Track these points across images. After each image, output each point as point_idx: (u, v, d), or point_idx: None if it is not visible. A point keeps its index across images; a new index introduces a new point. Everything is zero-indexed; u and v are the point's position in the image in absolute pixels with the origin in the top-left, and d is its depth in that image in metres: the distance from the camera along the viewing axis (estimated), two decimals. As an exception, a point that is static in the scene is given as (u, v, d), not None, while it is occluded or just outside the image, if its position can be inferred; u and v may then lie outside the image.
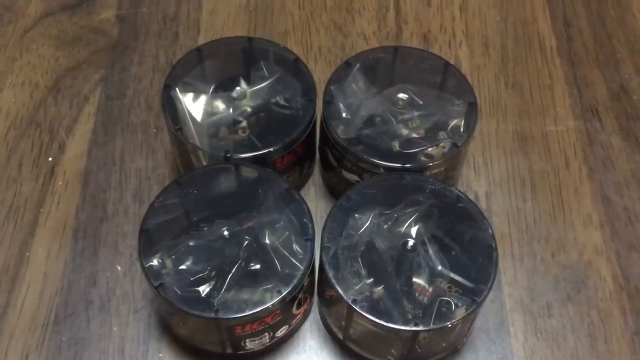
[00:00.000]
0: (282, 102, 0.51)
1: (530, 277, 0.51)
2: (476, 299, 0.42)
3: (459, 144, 0.48)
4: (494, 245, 0.43)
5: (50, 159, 0.55)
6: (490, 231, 0.44)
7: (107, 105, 0.58)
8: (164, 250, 0.44)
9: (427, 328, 0.41)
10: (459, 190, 0.46)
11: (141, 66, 0.61)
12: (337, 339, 0.47)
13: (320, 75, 0.59)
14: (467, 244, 0.46)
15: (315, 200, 0.54)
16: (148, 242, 0.43)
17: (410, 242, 0.46)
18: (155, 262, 0.43)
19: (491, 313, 0.49)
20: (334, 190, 0.54)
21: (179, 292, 0.42)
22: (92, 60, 0.61)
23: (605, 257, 0.52)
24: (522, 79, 0.61)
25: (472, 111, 0.49)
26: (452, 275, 0.45)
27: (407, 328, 0.41)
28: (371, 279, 0.45)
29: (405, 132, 0.51)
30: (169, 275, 0.43)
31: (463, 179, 0.55)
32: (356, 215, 0.46)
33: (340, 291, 0.42)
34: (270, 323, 0.43)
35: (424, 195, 0.46)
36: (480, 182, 0.55)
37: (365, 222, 0.46)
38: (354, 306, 0.41)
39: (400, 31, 0.63)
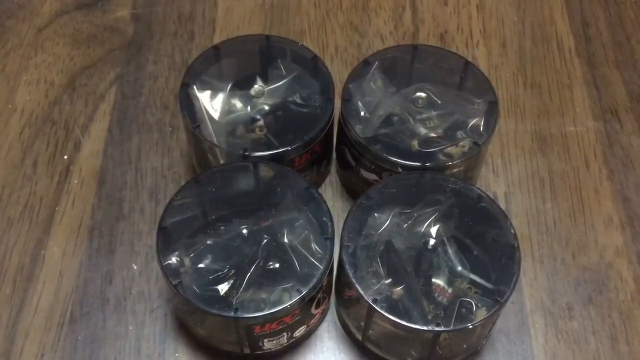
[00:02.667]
0: (300, 101, 0.51)
1: (550, 278, 0.50)
2: (499, 299, 0.41)
3: (480, 143, 0.47)
4: (516, 246, 0.43)
5: (65, 157, 0.55)
6: (512, 231, 0.43)
7: (122, 104, 0.58)
8: (182, 248, 0.43)
9: (448, 329, 0.41)
10: (480, 190, 0.45)
11: (157, 65, 0.61)
12: (355, 340, 0.47)
13: (337, 75, 0.59)
14: (487, 244, 0.45)
15: (332, 200, 0.54)
16: (166, 240, 0.43)
17: (430, 242, 0.46)
18: (173, 260, 0.43)
19: (511, 315, 0.48)
20: (352, 190, 0.54)
21: (197, 290, 0.42)
22: (108, 59, 0.61)
23: (627, 258, 0.51)
24: (540, 79, 0.60)
25: (492, 110, 0.49)
26: (472, 276, 0.45)
27: (429, 328, 0.40)
28: (390, 279, 0.44)
29: (423, 131, 0.50)
30: (187, 274, 0.43)
31: (482, 180, 0.54)
32: (376, 214, 0.45)
33: (361, 291, 0.41)
34: (289, 323, 0.42)
35: (444, 195, 0.46)
36: (499, 183, 0.54)
37: (384, 222, 0.45)
38: (374, 306, 0.41)
39: (417, 31, 0.63)
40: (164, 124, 0.57)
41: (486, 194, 0.45)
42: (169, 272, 0.42)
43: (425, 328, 0.40)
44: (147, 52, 0.61)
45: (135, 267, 0.50)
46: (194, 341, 0.47)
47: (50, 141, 0.56)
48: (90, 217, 0.52)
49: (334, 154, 0.54)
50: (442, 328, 0.40)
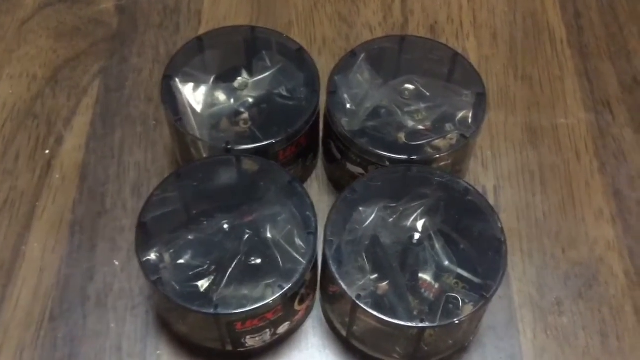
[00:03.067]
0: (285, 93, 0.50)
1: (540, 273, 0.49)
2: (485, 294, 0.40)
3: (468, 136, 0.46)
4: (503, 239, 0.42)
5: (47, 151, 0.54)
6: (499, 224, 0.43)
7: (106, 97, 0.57)
8: (162, 244, 0.43)
9: (433, 325, 0.40)
10: (467, 183, 0.44)
11: (141, 57, 0.60)
12: (340, 337, 0.46)
13: (325, 67, 0.57)
14: (475, 238, 0.44)
15: (319, 194, 0.53)
16: (145, 235, 0.42)
17: (416, 237, 0.45)
18: (152, 256, 0.42)
19: (499, 310, 0.47)
20: (338, 184, 0.53)
21: (177, 287, 0.41)
22: (91, 52, 0.60)
23: (617, 252, 0.50)
24: (531, 70, 0.59)
25: (480, 102, 0.48)
26: (459, 270, 0.44)
27: (413, 325, 0.39)
28: (375, 275, 0.43)
29: (411, 124, 0.49)
30: (167, 270, 0.42)
31: (470, 173, 0.53)
32: (361, 208, 0.44)
33: (344, 287, 0.40)
34: (272, 319, 0.41)
35: (430, 188, 0.45)
36: (488, 176, 0.54)
37: (370, 216, 0.44)
38: (358, 302, 0.40)
39: (406, 22, 0.62)
40: (147, 117, 0.56)
41: (473, 187, 0.44)
42: (148, 268, 0.41)
43: (409, 324, 0.39)
44: (131, 45, 0.60)
45: (117, 263, 0.49)
46: (176, 338, 0.46)
47: (32, 135, 0.55)
48: (71, 212, 0.51)
49: (321, 148, 0.53)
50: (426, 324, 0.39)
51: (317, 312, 0.47)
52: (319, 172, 0.54)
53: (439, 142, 0.48)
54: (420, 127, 0.49)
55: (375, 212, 0.44)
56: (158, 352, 0.46)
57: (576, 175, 0.54)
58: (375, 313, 0.39)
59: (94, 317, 0.47)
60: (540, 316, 0.47)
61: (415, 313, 0.42)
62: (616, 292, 0.48)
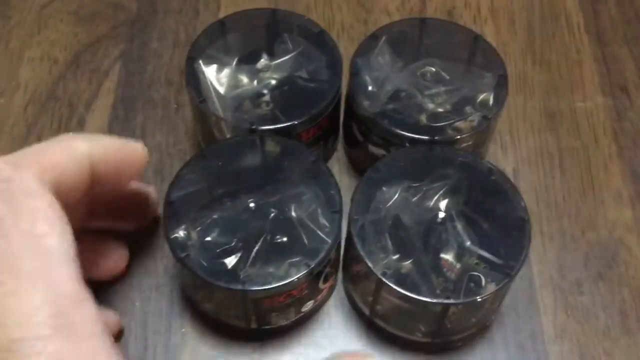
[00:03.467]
0: (307, 76, 0.50)
1: (559, 254, 0.50)
2: (509, 272, 0.41)
3: (490, 117, 0.47)
4: (526, 218, 0.42)
5: (69, 134, 0.54)
6: (522, 204, 0.43)
7: (127, 81, 0.57)
8: (188, 222, 0.43)
9: (458, 301, 0.40)
10: (490, 163, 0.44)
11: (161, 42, 0.60)
12: (363, 315, 0.47)
13: (343, 52, 0.58)
14: (497, 218, 0.45)
15: (339, 177, 0.53)
16: (173, 214, 0.43)
17: (439, 217, 0.45)
18: (180, 234, 0.42)
19: (520, 291, 0.48)
20: (359, 166, 0.53)
21: (204, 264, 0.41)
22: (112, 36, 0.60)
23: (636, 234, 0.50)
24: (549, 55, 0.59)
25: (502, 84, 0.48)
26: (481, 251, 0.44)
27: (438, 301, 0.40)
28: (398, 254, 0.44)
29: (431, 106, 0.49)
30: (194, 247, 0.42)
31: (490, 157, 0.54)
32: (384, 188, 0.45)
33: (370, 264, 0.41)
34: (297, 296, 0.42)
35: (453, 168, 0.45)
36: (507, 160, 0.54)
37: (393, 196, 0.45)
38: (384, 279, 0.40)
39: (424, 7, 0.62)
40: (168, 101, 0.56)
41: (496, 167, 0.44)
42: (176, 246, 0.41)
43: (434, 300, 0.40)
44: (151, 29, 0.61)
45: (140, 244, 0.49)
46: (200, 316, 0.46)
47: (54, 118, 0.55)
48: (95, 194, 0.51)
49: (341, 131, 0.54)
50: (451, 300, 0.40)
51: (339, 292, 0.48)
52: (339, 154, 0.54)
53: (460, 124, 0.48)
54: (441, 109, 0.49)
55: (398, 192, 0.45)
56: (183, 330, 0.46)
57: (595, 158, 0.54)
58: (401, 290, 0.40)
59: (119, 295, 0.47)
60: (560, 296, 0.48)
61: (438, 291, 0.42)
62: (635, 273, 0.49)
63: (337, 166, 0.54)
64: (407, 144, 0.46)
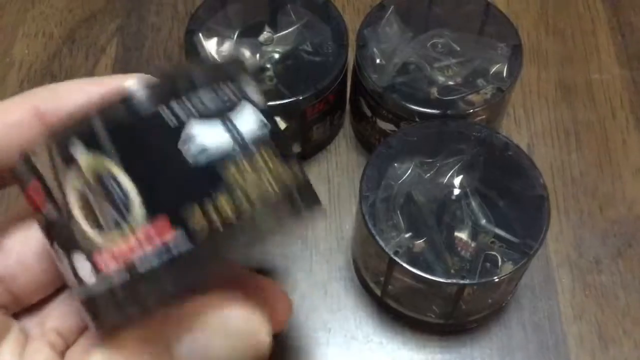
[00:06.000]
0: (311, 49, 0.48)
1: (577, 232, 0.48)
2: (527, 251, 0.39)
3: (504, 89, 0.45)
4: (545, 196, 0.40)
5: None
6: (541, 180, 0.41)
7: (124, 56, 0.55)
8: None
9: (473, 282, 0.39)
10: (507, 137, 0.42)
11: (159, 16, 0.58)
12: (374, 296, 0.45)
13: (349, 23, 0.56)
14: (514, 196, 0.43)
15: (347, 153, 0.51)
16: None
17: (453, 195, 0.43)
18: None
19: (537, 270, 0.46)
20: (367, 142, 0.51)
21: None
22: (108, 10, 0.58)
23: (657, 210, 0.49)
24: (563, 25, 0.57)
25: (516, 54, 0.46)
26: (497, 230, 0.42)
27: (454, 281, 0.38)
28: (410, 233, 0.42)
29: (442, 79, 0.47)
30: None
31: (503, 131, 0.52)
32: (396, 164, 0.43)
33: (381, 243, 0.39)
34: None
35: (468, 143, 0.43)
36: (521, 134, 0.52)
37: (405, 172, 0.43)
38: (396, 258, 0.38)
39: (432, -24, 0.60)
40: (168, 76, 0.54)
41: (513, 142, 0.42)
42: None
43: (449, 281, 0.38)
44: (148, 3, 0.58)
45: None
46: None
47: (50, 96, 0.53)
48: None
49: (348, 106, 0.52)
50: (467, 281, 0.38)
51: (349, 273, 0.46)
52: (346, 131, 0.52)
53: (473, 97, 0.46)
54: (452, 82, 0.47)
55: (411, 168, 0.43)
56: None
57: (612, 132, 0.52)
58: (414, 270, 0.38)
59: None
60: (578, 276, 0.46)
61: (452, 272, 0.41)
62: (656, 250, 0.47)
63: (345, 142, 0.52)
64: (417, 119, 0.44)
